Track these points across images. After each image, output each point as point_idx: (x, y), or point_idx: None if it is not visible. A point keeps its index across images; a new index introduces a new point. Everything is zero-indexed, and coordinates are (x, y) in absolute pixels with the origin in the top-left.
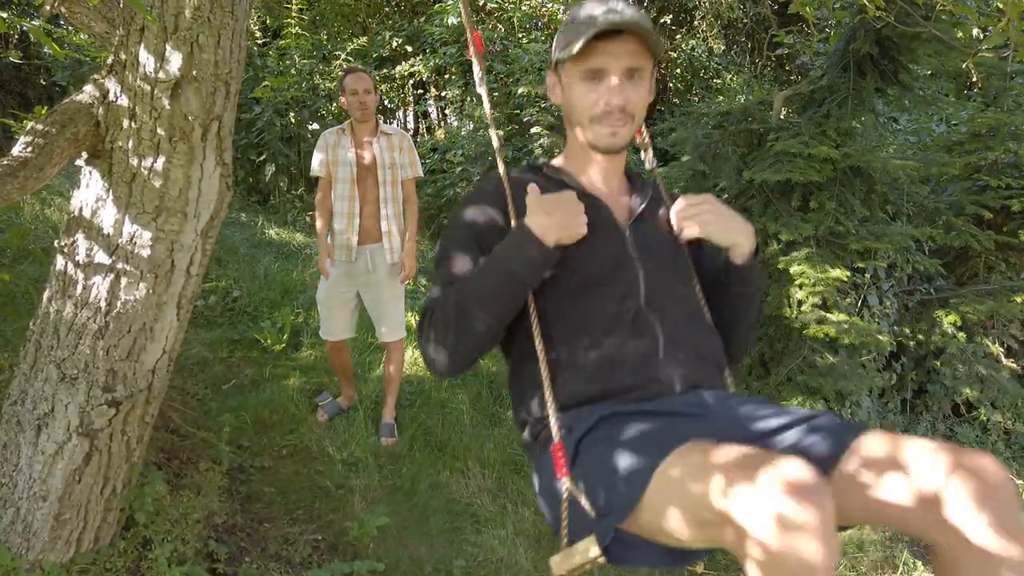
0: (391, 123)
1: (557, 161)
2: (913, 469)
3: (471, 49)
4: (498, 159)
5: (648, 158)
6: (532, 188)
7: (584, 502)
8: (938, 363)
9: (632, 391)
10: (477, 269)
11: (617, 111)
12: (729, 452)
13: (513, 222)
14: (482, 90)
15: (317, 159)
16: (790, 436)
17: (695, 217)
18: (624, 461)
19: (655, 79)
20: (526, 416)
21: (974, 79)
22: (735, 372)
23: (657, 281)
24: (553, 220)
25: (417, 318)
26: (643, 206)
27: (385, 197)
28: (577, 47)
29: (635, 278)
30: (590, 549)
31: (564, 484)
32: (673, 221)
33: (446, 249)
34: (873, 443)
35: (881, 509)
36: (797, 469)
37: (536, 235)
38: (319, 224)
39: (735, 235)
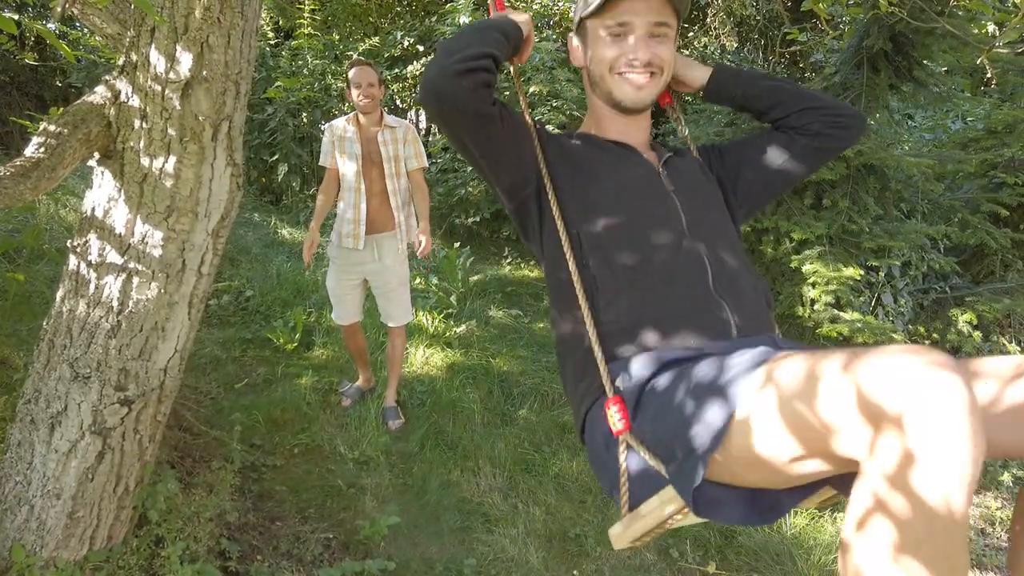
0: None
1: (582, 127)
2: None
3: (491, 12)
4: (524, 106)
5: (681, 128)
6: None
7: (649, 458)
8: None
9: (689, 319)
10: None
11: (643, 66)
12: (835, 355)
13: (541, 160)
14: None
15: (325, 150)
16: None
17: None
18: (701, 397)
19: (678, 41)
20: (577, 370)
21: (989, 75)
22: (856, 129)
23: (698, 211)
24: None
25: (428, 316)
26: (669, 154)
27: (393, 189)
28: (601, 1)
29: (673, 208)
30: (666, 506)
31: (622, 442)
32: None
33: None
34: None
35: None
36: (934, 351)
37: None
38: (317, 212)
39: (691, 72)
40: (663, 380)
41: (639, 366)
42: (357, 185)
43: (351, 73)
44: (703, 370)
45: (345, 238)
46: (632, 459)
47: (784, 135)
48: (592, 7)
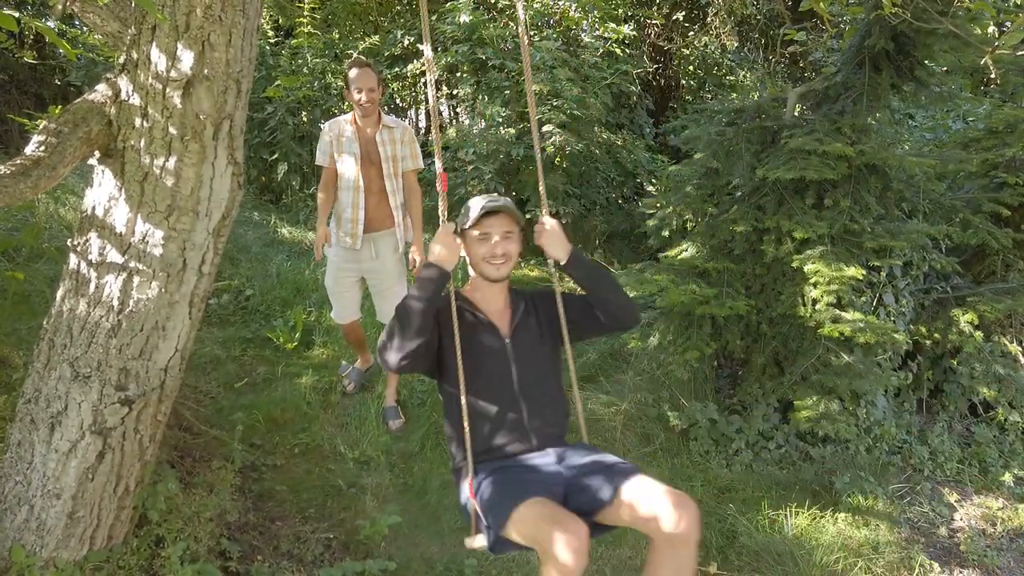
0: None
1: (466, 289)
2: (643, 507)
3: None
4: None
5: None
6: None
7: (481, 515)
8: (955, 362)
9: (506, 447)
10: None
11: (500, 256)
12: (545, 509)
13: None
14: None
15: (323, 150)
16: (588, 479)
17: (539, 235)
18: (498, 499)
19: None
20: (455, 454)
21: (992, 75)
22: (629, 327)
23: (526, 375)
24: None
25: None
26: (519, 316)
27: (392, 188)
28: (472, 221)
29: (510, 373)
30: (482, 541)
31: (472, 504)
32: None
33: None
34: (632, 485)
35: (633, 522)
36: (574, 529)
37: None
38: (320, 209)
39: (555, 252)
40: (490, 479)
41: (482, 468)
42: (356, 184)
43: (352, 74)
44: (507, 479)
45: (343, 237)
46: (476, 513)
47: (592, 309)
48: (469, 223)
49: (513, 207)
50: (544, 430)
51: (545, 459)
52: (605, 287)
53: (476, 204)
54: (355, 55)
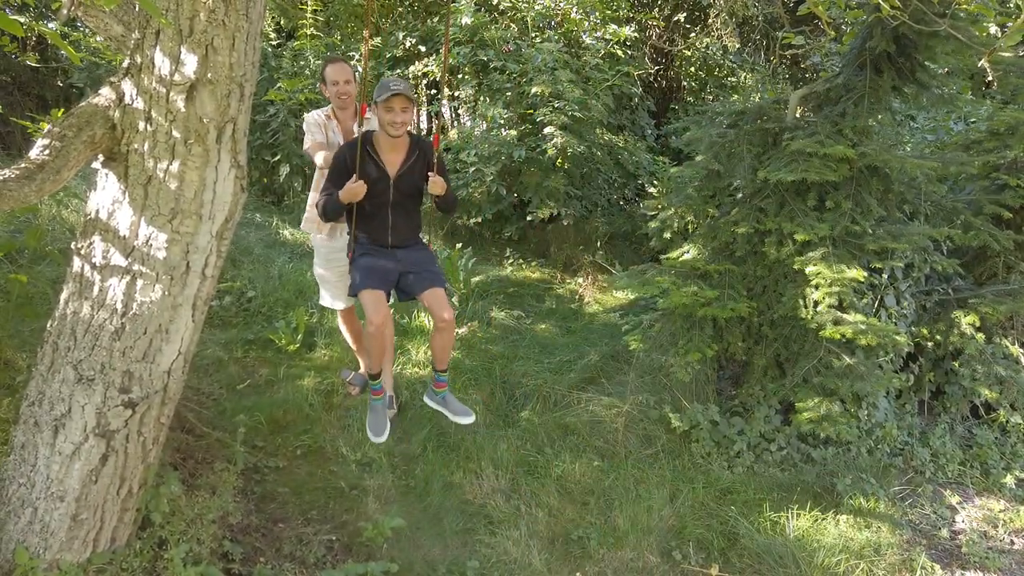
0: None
1: (376, 135)
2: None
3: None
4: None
5: (424, 133)
6: (353, 184)
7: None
8: (956, 364)
9: (376, 240)
10: (333, 196)
11: (399, 123)
12: (375, 296)
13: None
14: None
15: (314, 133)
16: (411, 276)
17: (435, 185)
18: (359, 278)
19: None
20: (349, 235)
21: (991, 78)
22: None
23: (400, 200)
24: (348, 195)
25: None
26: (409, 162)
27: None
28: (382, 99)
29: (389, 198)
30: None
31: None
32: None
33: (329, 174)
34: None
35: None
36: (380, 301)
37: (344, 200)
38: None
39: (437, 190)
40: (359, 254)
41: (359, 245)
42: None
43: (328, 70)
44: (367, 261)
45: (328, 227)
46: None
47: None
48: (380, 99)
49: (410, 90)
50: (400, 234)
51: (390, 259)
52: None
53: (385, 85)
54: (356, 57)
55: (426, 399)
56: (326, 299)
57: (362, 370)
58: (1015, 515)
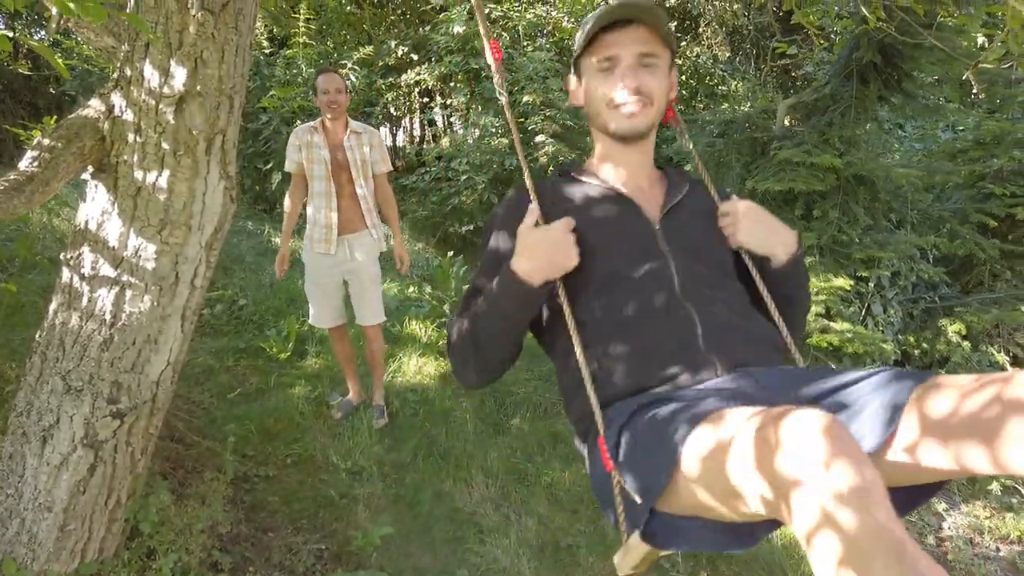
0: (381, 126)
1: (587, 165)
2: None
3: (490, 57)
4: (523, 167)
5: (684, 141)
6: (531, 211)
7: (631, 491)
8: (943, 372)
9: (671, 380)
10: (484, 305)
11: (632, 93)
12: (746, 413)
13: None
14: (503, 98)
15: (292, 157)
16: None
17: (732, 227)
18: (655, 440)
19: (674, 72)
20: (576, 415)
21: (976, 90)
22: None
23: (692, 271)
24: (535, 263)
25: (421, 325)
26: (679, 197)
27: (363, 193)
28: (586, 39)
29: (666, 269)
30: (640, 540)
31: (613, 477)
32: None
33: (475, 274)
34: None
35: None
36: (807, 415)
37: (521, 278)
38: (286, 219)
39: (771, 247)
40: (635, 421)
41: (619, 411)
42: (327, 190)
43: (319, 80)
44: (664, 411)
45: (317, 243)
46: (624, 493)
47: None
48: (581, 45)
49: (654, 10)
50: (735, 345)
51: (739, 379)
52: (800, 313)
53: (597, 12)
54: (348, 65)
55: None
56: (314, 317)
57: (350, 395)
58: (1001, 522)
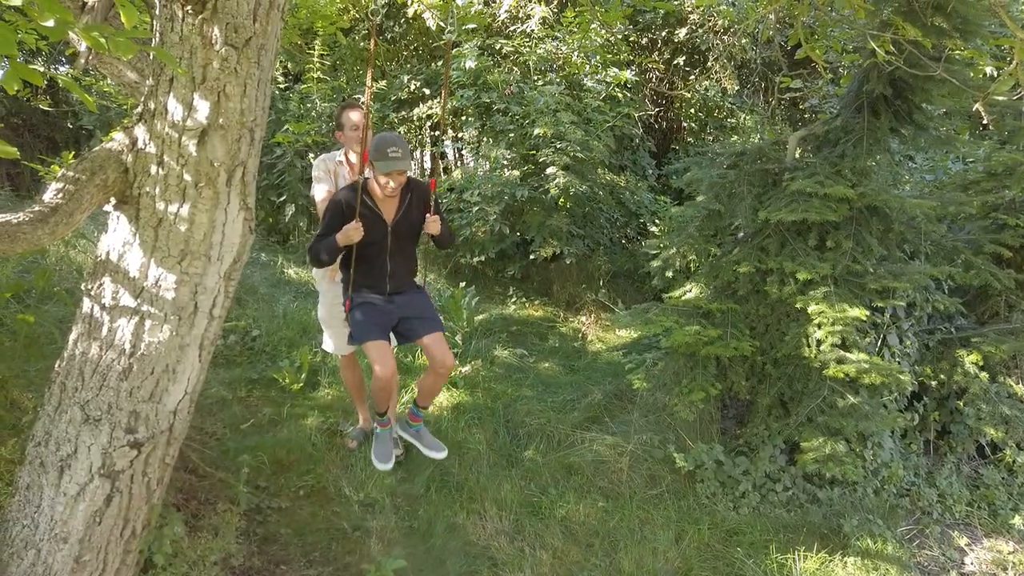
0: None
1: (371, 184)
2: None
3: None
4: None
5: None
6: (352, 225)
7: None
8: (961, 403)
9: (374, 288)
10: (329, 239)
11: (392, 187)
12: (378, 347)
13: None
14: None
15: (323, 181)
16: (409, 322)
17: (432, 225)
18: (358, 331)
19: None
20: (345, 283)
21: (986, 121)
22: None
23: (398, 247)
24: (346, 239)
25: None
26: (404, 207)
27: None
28: (381, 167)
29: (387, 244)
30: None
31: (347, 316)
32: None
33: (323, 226)
34: (429, 338)
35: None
36: (386, 352)
37: (342, 243)
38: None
39: (434, 230)
40: (357, 304)
41: (357, 295)
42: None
43: (350, 115)
44: (366, 310)
45: (333, 270)
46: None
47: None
48: (379, 165)
49: (407, 161)
50: (397, 281)
51: (389, 305)
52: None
53: (384, 152)
54: (361, 100)
55: (398, 430)
56: (329, 344)
57: (361, 424)
58: None
